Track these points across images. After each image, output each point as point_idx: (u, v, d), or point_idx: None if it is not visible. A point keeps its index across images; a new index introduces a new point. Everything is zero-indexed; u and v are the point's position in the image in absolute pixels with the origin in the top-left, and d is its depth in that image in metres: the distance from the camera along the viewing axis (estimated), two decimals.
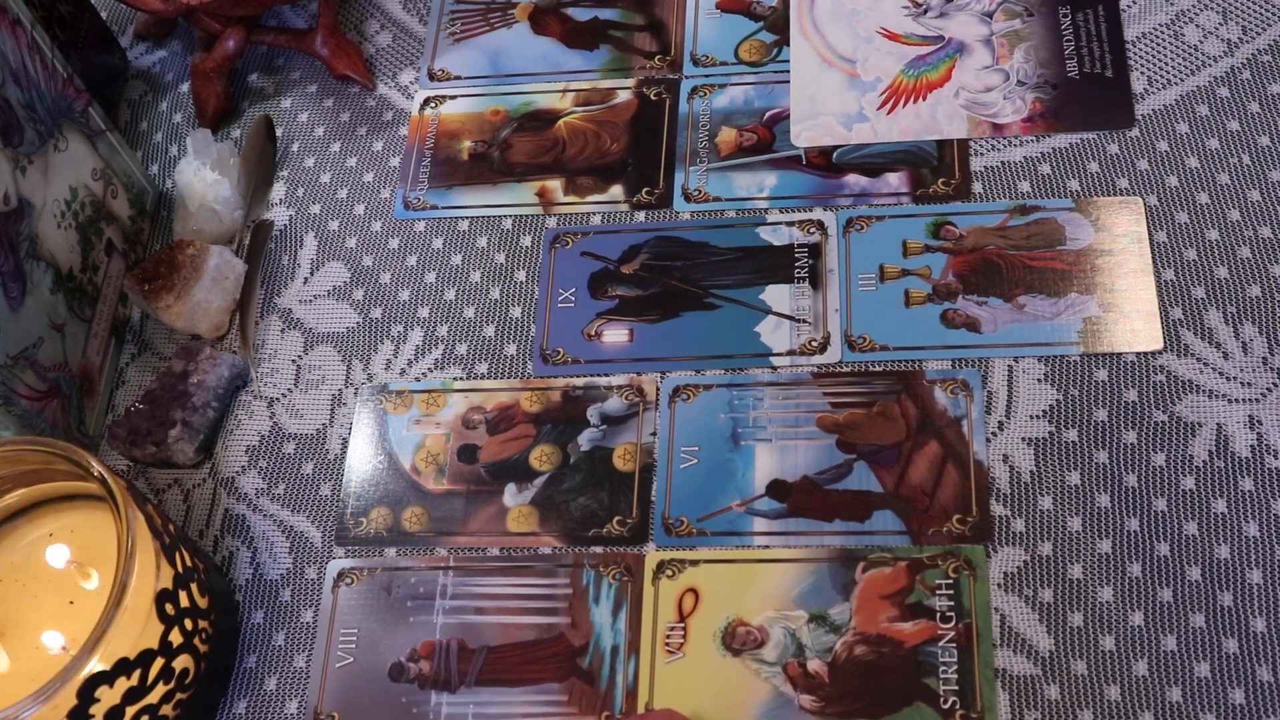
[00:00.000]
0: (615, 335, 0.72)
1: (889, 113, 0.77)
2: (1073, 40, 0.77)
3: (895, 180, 0.74)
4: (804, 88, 0.79)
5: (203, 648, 0.62)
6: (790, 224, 0.74)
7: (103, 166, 0.76)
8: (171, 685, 0.60)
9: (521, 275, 0.75)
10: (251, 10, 0.81)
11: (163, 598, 0.58)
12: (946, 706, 0.60)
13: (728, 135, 0.78)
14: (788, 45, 0.81)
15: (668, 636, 0.64)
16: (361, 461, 0.71)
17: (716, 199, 0.76)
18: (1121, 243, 0.70)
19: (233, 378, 0.74)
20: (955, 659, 0.61)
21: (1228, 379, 0.66)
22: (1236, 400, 0.66)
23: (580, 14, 0.84)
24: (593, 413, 0.70)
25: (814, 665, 0.62)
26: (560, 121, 0.80)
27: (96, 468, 0.58)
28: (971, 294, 0.70)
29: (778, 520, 0.66)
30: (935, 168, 0.74)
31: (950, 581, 0.63)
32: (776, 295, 0.72)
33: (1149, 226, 0.71)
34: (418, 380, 0.73)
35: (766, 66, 0.80)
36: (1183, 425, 0.65)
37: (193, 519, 0.71)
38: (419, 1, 0.87)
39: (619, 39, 0.83)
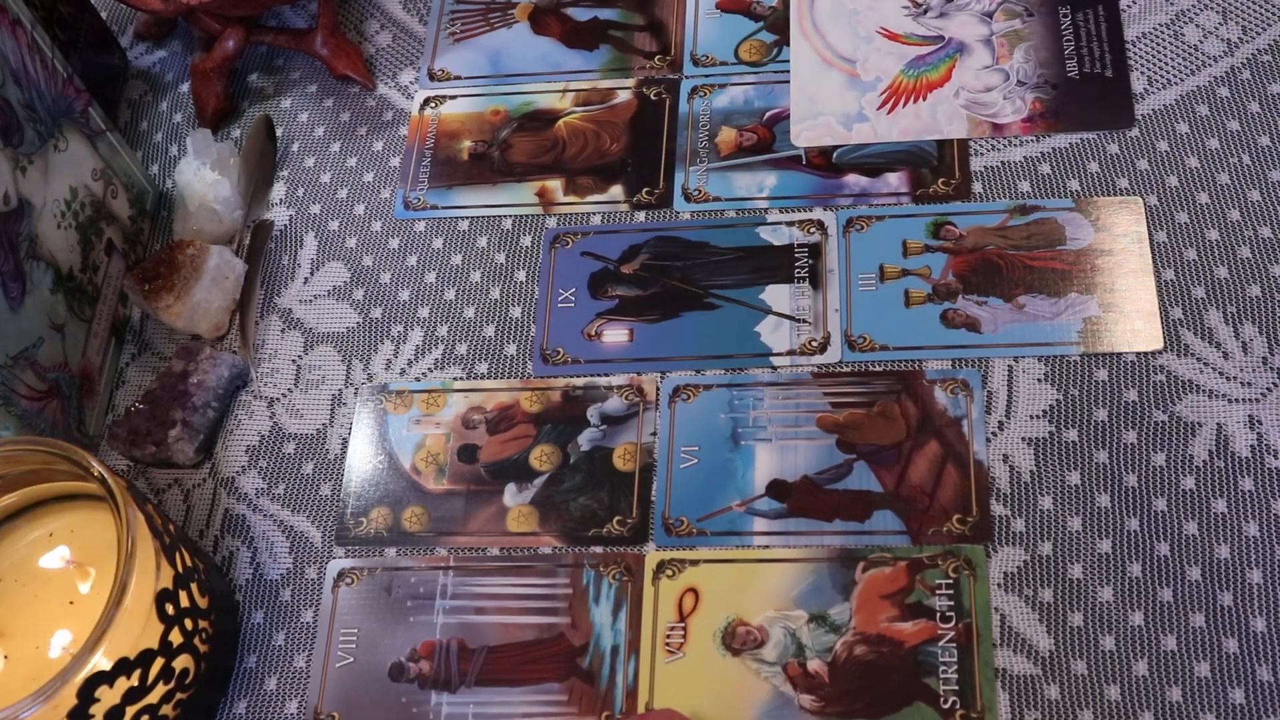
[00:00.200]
0: (615, 335, 0.72)
1: (889, 113, 0.77)
2: (1073, 40, 0.77)
3: (895, 180, 0.74)
4: (804, 88, 0.79)
5: (203, 648, 0.62)
6: (790, 224, 0.74)
7: (103, 166, 0.76)
8: (171, 685, 0.60)
9: (521, 275, 0.75)
10: (251, 10, 0.81)
11: (163, 598, 0.58)
12: (946, 706, 0.60)
13: (728, 135, 0.78)
14: (788, 45, 0.81)
15: (668, 636, 0.64)
16: (361, 461, 0.71)
17: (716, 199, 0.76)
18: (1121, 243, 0.70)
19: (233, 378, 0.74)
20: (955, 659, 0.61)
21: (1228, 379, 0.66)
22: (1236, 400, 0.66)
23: (580, 14, 0.84)
24: (593, 413, 0.70)
25: (814, 665, 0.62)
26: (560, 121, 0.80)
27: (96, 468, 0.58)
28: (971, 294, 0.70)
29: (778, 520, 0.66)
30: (935, 168, 0.74)
31: (950, 581, 0.63)
32: (776, 295, 0.72)
33: (1149, 226, 0.71)
34: (418, 380, 0.73)
35: (766, 66, 0.80)
36: (1183, 425, 0.65)
37: (193, 519, 0.71)
38: (419, 1, 0.87)
39: (619, 39, 0.83)
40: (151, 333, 0.77)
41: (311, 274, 0.77)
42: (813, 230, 0.74)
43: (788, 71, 0.79)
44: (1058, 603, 0.62)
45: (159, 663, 0.58)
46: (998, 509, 0.65)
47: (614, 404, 0.70)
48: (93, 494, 0.62)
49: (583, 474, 0.69)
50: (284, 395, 0.74)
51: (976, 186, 0.74)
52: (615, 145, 0.79)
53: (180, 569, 0.60)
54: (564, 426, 0.70)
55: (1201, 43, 0.76)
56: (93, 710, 0.56)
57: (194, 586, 0.61)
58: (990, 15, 0.79)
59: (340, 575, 0.68)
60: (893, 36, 0.80)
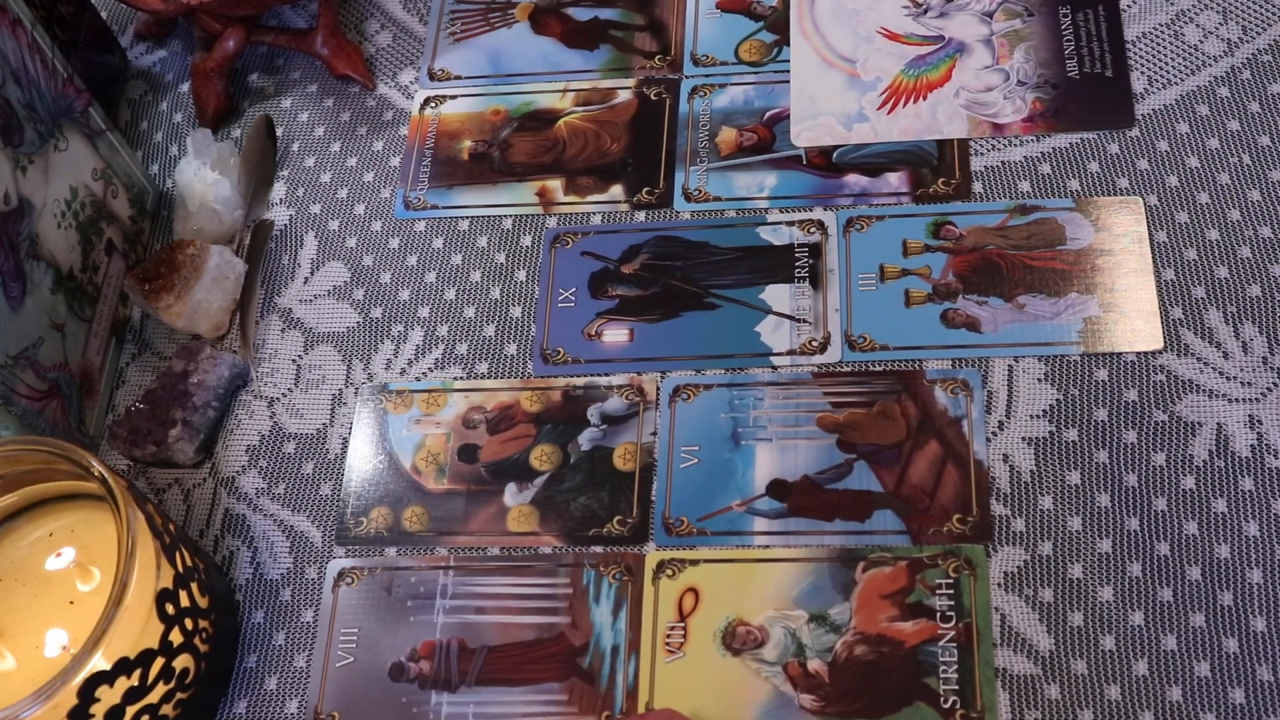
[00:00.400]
0: (615, 335, 0.72)
1: (889, 112, 0.77)
2: (1073, 40, 0.77)
3: (895, 180, 0.74)
4: (804, 88, 0.79)
5: (203, 647, 0.62)
6: (790, 224, 0.74)
7: (103, 166, 0.76)
8: (172, 685, 0.60)
9: (522, 275, 0.75)
10: (251, 10, 0.81)
11: (163, 597, 0.58)
12: (946, 706, 0.60)
13: (728, 135, 0.78)
14: (788, 45, 0.81)
15: (668, 636, 0.64)
16: (362, 461, 0.71)
17: (717, 199, 0.76)
18: (1121, 242, 0.70)
19: (233, 377, 0.74)
20: (955, 659, 0.61)
21: (1228, 379, 0.66)
22: (1236, 400, 0.66)
23: (580, 14, 0.84)
24: (593, 412, 0.70)
25: (814, 665, 0.62)
26: (560, 121, 0.80)
27: (97, 468, 0.58)
28: (972, 294, 0.70)
29: (778, 520, 0.66)
30: (935, 167, 0.74)
31: (950, 581, 0.63)
32: (777, 295, 0.72)
33: (1149, 226, 0.71)
34: (418, 380, 0.73)
35: (767, 66, 0.80)
36: (1183, 425, 0.65)
37: (193, 519, 0.71)
38: (419, 1, 0.87)
39: (619, 39, 0.83)
40: (151, 332, 0.77)
41: (312, 274, 0.77)
42: (813, 230, 0.74)
43: (788, 71, 0.79)
44: (1058, 602, 0.62)
45: (159, 662, 0.58)
46: (998, 509, 0.65)
47: (614, 404, 0.70)
48: (93, 494, 0.62)
49: (583, 474, 0.69)
50: (284, 395, 0.74)
51: (977, 186, 0.74)
52: (615, 145, 0.79)
53: (180, 569, 0.60)
54: (564, 426, 0.70)
55: (1202, 43, 0.76)
56: (93, 710, 0.56)
57: (194, 586, 0.61)
58: (990, 15, 0.79)
59: (340, 575, 0.68)
60: (893, 36, 0.80)
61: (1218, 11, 0.77)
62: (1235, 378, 0.66)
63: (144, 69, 0.88)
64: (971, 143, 0.75)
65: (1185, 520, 0.63)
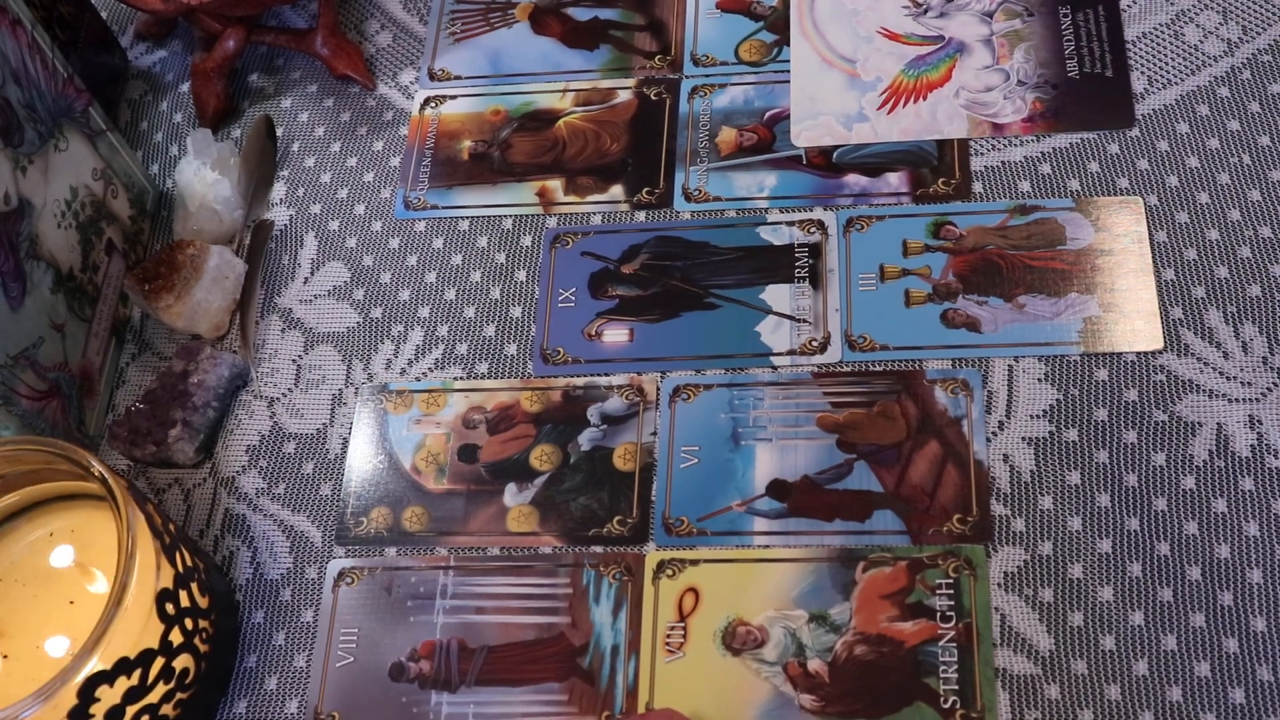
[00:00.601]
0: (615, 335, 0.72)
1: (889, 113, 0.77)
2: (1073, 40, 0.77)
3: (895, 180, 0.74)
4: (804, 88, 0.79)
5: (203, 647, 0.62)
6: (790, 224, 0.74)
7: (103, 166, 0.76)
8: (172, 685, 0.60)
9: (522, 275, 0.75)
10: (251, 10, 0.81)
11: (163, 597, 0.58)
12: (946, 706, 0.60)
13: (728, 135, 0.78)
14: (788, 45, 0.81)
15: (668, 636, 0.64)
16: (362, 461, 0.71)
17: (716, 199, 0.76)
18: (1122, 242, 0.70)
19: (233, 377, 0.74)
20: (955, 659, 0.61)
21: (1228, 379, 0.66)
22: (1236, 400, 0.66)
23: (580, 14, 0.84)
24: (593, 412, 0.70)
25: (814, 665, 0.62)
26: (560, 121, 0.80)
27: (97, 468, 0.58)
28: (972, 294, 0.70)
29: (778, 520, 0.66)
30: (935, 167, 0.74)
31: (950, 581, 0.63)
32: (777, 295, 0.72)
33: (1149, 226, 0.71)
34: (418, 380, 0.73)
35: (767, 66, 0.80)
36: (1183, 425, 0.65)
37: (193, 519, 0.71)
38: (419, 1, 0.87)
39: (619, 39, 0.83)
40: (151, 333, 0.77)
41: (312, 274, 0.77)
42: (813, 230, 0.74)
43: (788, 71, 0.79)
44: (1058, 602, 0.62)
45: (159, 662, 0.58)
46: (998, 509, 0.65)
47: (614, 404, 0.70)
48: (93, 494, 0.62)
49: (583, 474, 0.69)
50: (284, 395, 0.74)
51: (977, 186, 0.74)
52: (615, 145, 0.79)
53: (180, 569, 0.60)
54: (564, 426, 0.70)
55: (1202, 43, 0.76)
56: (93, 710, 0.56)
57: (194, 586, 0.61)
58: (990, 15, 0.79)
59: (340, 575, 0.68)
60: (893, 36, 0.80)
61: (1218, 11, 0.77)
62: (1235, 378, 0.66)
63: (144, 69, 0.88)
64: (971, 143, 0.75)
65: (1185, 520, 0.63)
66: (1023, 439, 0.66)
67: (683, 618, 0.64)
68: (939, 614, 0.62)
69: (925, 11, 0.80)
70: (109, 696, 0.56)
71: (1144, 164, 0.73)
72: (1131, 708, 0.60)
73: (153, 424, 0.71)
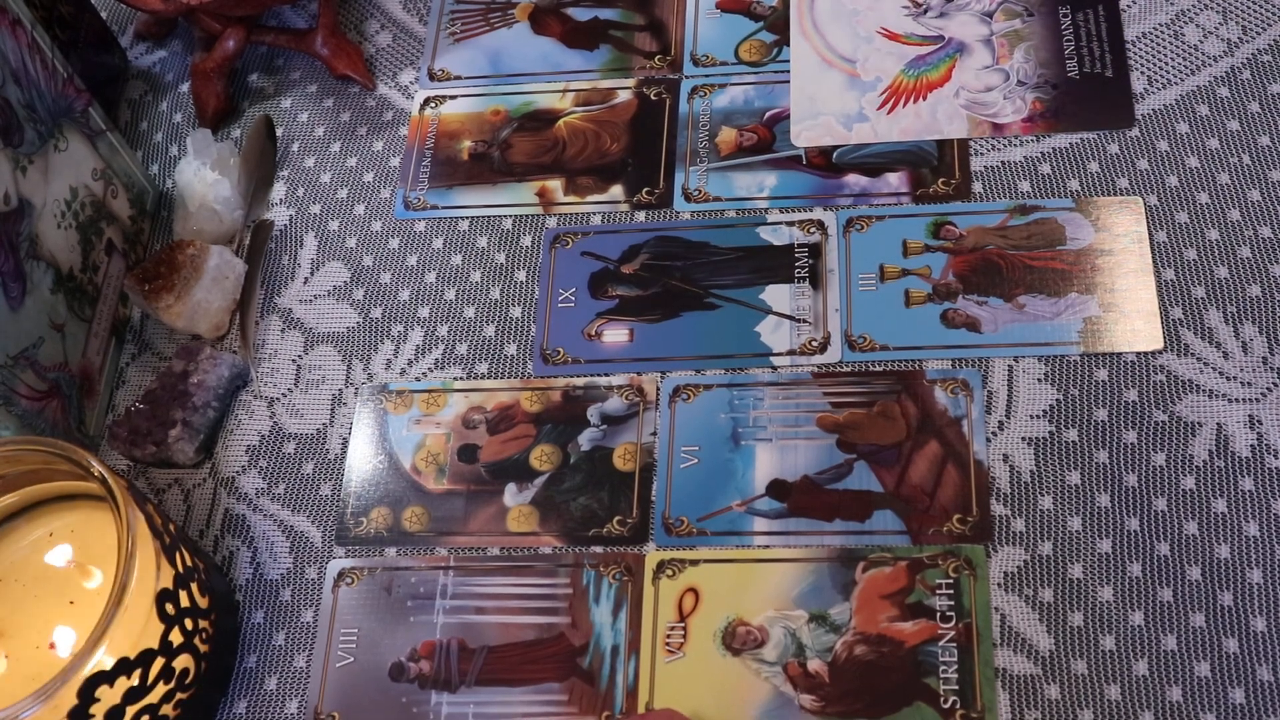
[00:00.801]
0: (615, 335, 0.72)
1: (889, 113, 0.77)
2: (1073, 40, 0.77)
3: (895, 180, 0.74)
4: (804, 88, 0.79)
5: (203, 647, 0.62)
6: (790, 224, 0.74)
7: (103, 166, 0.76)
8: (172, 685, 0.60)
9: (522, 275, 0.75)
10: (251, 10, 0.81)
11: (163, 597, 0.58)
12: (946, 706, 0.60)
13: (728, 135, 0.78)
14: (788, 45, 0.81)
15: (668, 636, 0.64)
16: (362, 461, 0.71)
17: (716, 199, 0.76)
18: (1121, 243, 0.70)
19: (233, 378, 0.74)
20: (955, 659, 0.61)
21: (1228, 379, 0.66)
22: (1236, 400, 0.66)
23: (580, 14, 0.84)
24: (593, 412, 0.70)
25: (814, 665, 0.62)
26: (560, 121, 0.80)
27: (96, 468, 0.58)
28: (971, 294, 0.70)
29: (778, 520, 0.66)
30: (935, 168, 0.75)
31: (950, 581, 0.63)
32: (776, 295, 0.72)
33: (1149, 226, 0.71)
34: (418, 380, 0.73)
35: (766, 66, 0.80)
36: (1183, 425, 0.65)
37: (193, 519, 0.71)
38: (419, 1, 0.87)
39: (619, 39, 0.83)
40: (151, 333, 0.77)
41: (311, 274, 0.77)
42: (813, 230, 0.74)
43: (788, 71, 0.79)
44: (1058, 602, 0.62)
45: (159, 662, 0.58)
46: (998, 509, 0.65)
47: (614, 404, 0.70)
48: (93, 494, 0.62)
49: (583, 474, 0.69)
50: (284, 395, 0.74)
51: (976, 186, 0.74)
52: (615, 145, 0.79)
53: (180, 569, 0.60)
54: (564, 426, 0.70)
55: (1201, 43, 0.76)
56: (93, 710, 0.56)
57: (194, 586, 0.61)
58: (990, 15, 0.79)
59: (340, 575, 0.68)
60: (893, 36, 0.80)
61: (1218, 11, 0.77)
62: (1235, 378, 0.66)
63: (144, 69, 0.88)
64: (971, 143, 0.75)
65: (1185, 520, 0.63)
66: (1023, 439, 0.66)
67: (683, 618, 0.64)
68: (939, 614, 0.62)
69: (925, 11, 0.80)
70: (109, 697, 0.56)
71: (1144, 164, 0.73)
72: (1131, 708, 0.60)
73: (153, 424, 0.71)
